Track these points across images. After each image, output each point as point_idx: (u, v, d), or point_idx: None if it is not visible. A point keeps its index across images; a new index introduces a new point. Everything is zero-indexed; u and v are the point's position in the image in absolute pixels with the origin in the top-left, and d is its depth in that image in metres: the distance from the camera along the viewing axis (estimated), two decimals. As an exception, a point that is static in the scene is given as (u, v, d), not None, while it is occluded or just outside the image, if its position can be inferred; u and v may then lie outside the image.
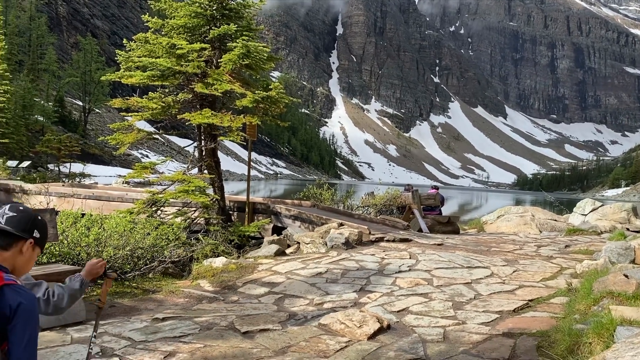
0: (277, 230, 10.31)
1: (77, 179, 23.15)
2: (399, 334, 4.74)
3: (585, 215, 16.26)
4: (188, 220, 9.50)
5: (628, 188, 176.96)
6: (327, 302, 5.74)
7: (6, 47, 43.53)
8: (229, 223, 9.58)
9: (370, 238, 9.04)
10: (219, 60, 9.10)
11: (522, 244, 10.10)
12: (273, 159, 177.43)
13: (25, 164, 40.27)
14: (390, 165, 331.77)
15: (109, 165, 68.77)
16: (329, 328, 4.84)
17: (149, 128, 12.38)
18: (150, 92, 9.60)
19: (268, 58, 9.00)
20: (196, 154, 9.74)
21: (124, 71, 8.94)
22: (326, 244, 8.35)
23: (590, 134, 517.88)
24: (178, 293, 6.33)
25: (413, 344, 4.46)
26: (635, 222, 15.29)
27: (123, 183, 23.63)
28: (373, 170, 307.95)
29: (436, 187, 14.98)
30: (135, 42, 9.11)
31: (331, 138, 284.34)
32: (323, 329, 4.84)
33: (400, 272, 7.05)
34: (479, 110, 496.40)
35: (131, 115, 9.52)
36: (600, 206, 16.48)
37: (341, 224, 9.22)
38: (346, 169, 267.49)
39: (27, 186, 13.81)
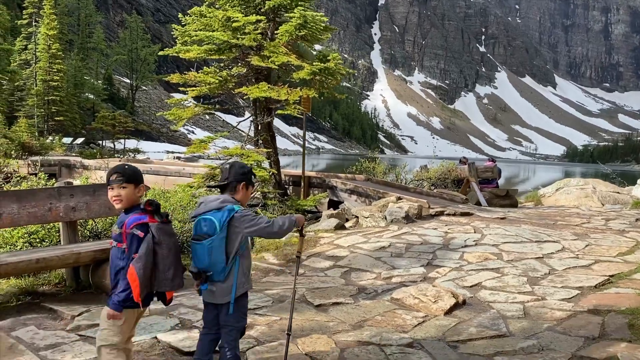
0: (333, 204, 10.26)
1: (131, 155, 23.80)
2: (476, 310, 4.60)
3: (651, 187, 15.47)
4: (245, 194, 9.55)
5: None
6: (395, 277, 5.64)
7: (58, 26, 44.70)
8: (285, 197, 9.58)
9: (430, 212, 8.86)
10: (274, 33, 8.98)
11: (589, 218, 9.69)
12: (315, 134, 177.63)
13: (79, 140, 41.64)
14: (434, 138, 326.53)
15: (157, 141, 70.46)
16: (402, 302, 4.75)
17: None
18: (204, 68, 9.59)
19: (324, 28, 8.81)
20: (250, 132, 9.73)
21: (180, 46, 8.95)
22: (385, 218, 8.23)
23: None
24: (244, 266, 6.38)
25: (493, 319, 4.32)
26: None
27: (174, 158, 24.08)
28: (416, 143, 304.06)
29: (493, 160, 14.54)
30: (190, 16, 9.08)
31: (373, 111, 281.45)
32: (396, 303, 4.76)
33: (466, 246, 6.88)
34: (527, 80, 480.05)
35: (187, 91, 9.56)
36: (667, 178, 15.65)
37: (399, 198, 9.06)
38: (388, 142, 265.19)
39: (87, 162, 14.23)
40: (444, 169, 13.53)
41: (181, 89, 9.25)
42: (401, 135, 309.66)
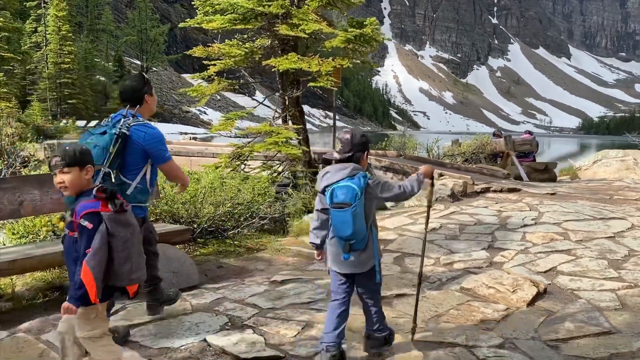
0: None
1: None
2: (561, 300, 4.04)
3: (693, 156, 14.68)
4: (274, 174, 9.01)
5: None
6: (456, 262, 5.08)
7: (66, 7, 44.07)
8: (316, 176, 9.02)
9: (475, 189, 8.25)
10: (301, -1, 8.32)
11: (630, 191, 9.03)
12: (325, 112, 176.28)
13: (93, 123, 41.32)
14: (446, 113, 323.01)
15: (169, 122, 70.07)
16: (475, 293, 4.20)
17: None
18: (222, 43, 8.94)
19: (355, -8, 8.13)
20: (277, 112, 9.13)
21: (202, 16, 8.33)
22: (430, 196, 7.64)
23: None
24: (285, 252, 5.85)
25: (588, 312, 3.75)
26: None
27: (191, 139, 23.62)
28: (428, 119, 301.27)
29: (530, 132, 13.82)
30: (212, -17, 8.43)
31: (384, 87, 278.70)
32: (468, 294, 4.20)
33: (525, 225, 6.28)
34: (541, 51, 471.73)
35: (209, 66, 8.95)
36: None
37: (441, 175, 8.46)
38: (400, 119, 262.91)
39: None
40: (478, 142, 12.86)
41: (205, 63, 8.63)
42: (413, 111, 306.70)
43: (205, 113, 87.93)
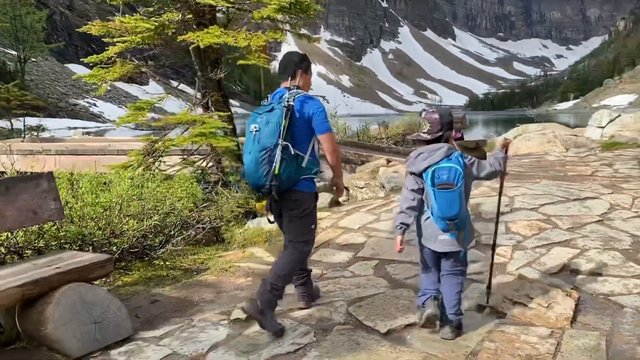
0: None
1: (35, 134, 20.44)
2: (603, 312, 3.29)
3: (603, 127, 15.20)
4: (198, 171, 7.69)
5: (578, 100, 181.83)
6: (450, 267, 4.21)
7: None
8: (248, 170, 7.82)
9: (427, 173, 7.50)
10: (219, -38, 7.00)
11: (584, 164, 8.83)
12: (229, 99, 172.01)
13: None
14: (344, 96, 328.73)
15: (55, 117, 64.17)
16: (498, 312, 3.34)
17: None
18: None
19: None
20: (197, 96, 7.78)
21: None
22: (383, 187, 6.79)
23: (537, 49, 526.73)
24: (233, 271, 4.68)
25: (649, 327, 3.02)
26: (659, 130, 14.35)
27: (83, 134, 21.11)
28: (328, 102, 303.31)
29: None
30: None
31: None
32: (491, 314, 3.33)
33: (503, 214, 5.57)
34: (429, 33, 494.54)
35: (109, 46, 7.37)
36: (617, 117, 15.43)
37: (389, 161, 7.62)
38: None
39: (-21, 146, 11.47)
40: (406, 124, 12.25)
41: (106, 41, 7.04)
42: (313, 95, 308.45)
43: (95, 105, 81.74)
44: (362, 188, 6.73)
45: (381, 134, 12.23)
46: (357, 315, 3.40)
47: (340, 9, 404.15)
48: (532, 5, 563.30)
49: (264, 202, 3.48)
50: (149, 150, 7.62)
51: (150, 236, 4.91)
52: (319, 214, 5.97)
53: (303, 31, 8.00)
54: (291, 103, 3.14)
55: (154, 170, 7.56)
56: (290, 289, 4.06)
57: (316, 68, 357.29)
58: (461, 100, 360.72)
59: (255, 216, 6.62)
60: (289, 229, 3.36)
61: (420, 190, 2.95)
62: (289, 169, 3.10)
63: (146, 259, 4.91)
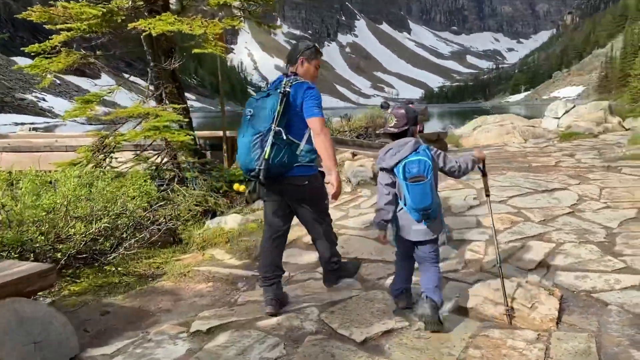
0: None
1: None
2: (588, 310, 3.14)
3: (559, 118, 15.50)
4: (152, 168, 7.24)
5: (529, 92, 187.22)
6: (424, 266, 4.00)
7: None
8: (207, 166, 7.43)
9: (393, 167, 7.30)
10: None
11: (546, 155, 8.85)
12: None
13: None
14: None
15: (0, 112, 61.17)
16: (481, 315, 3.14)
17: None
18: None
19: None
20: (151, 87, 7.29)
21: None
22: (350, 181, 6.54)
23: (489, 43, 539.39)
24: (193, 275, 4.32)
25: (635, 327, 2.87)
26: (612, 120, 14.72)
27: (30, 130, 20.03)
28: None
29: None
30: None
31: (240, 66, 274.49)
32: (475, 317, 3.13)
33: (472, 207, 5.45)
34: (385, 27, 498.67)
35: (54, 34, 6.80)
36: (572, 107, 15.76)
37: (354, 154, 7.38)
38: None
39: None
40: (368, 117, 12.05)
41: (49, 28, 6.47)
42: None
43: (44, 100, 78.47)
44: (327, 184, 6.46)
45: (344, 127, 11.98)
46: (330, 323, 3.13)
47: (297, 1, 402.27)
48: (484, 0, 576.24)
49: (241, 186, 3.62)
50: (98, 146, 7.11)
51: (100, 240, 4.49)
52: (283, 211, 5.68)
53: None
54: (287, 89, 3.15)
55: (105, 168, 7.09)
56: (255, 295, 3.77)
57: (274, 61, 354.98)
58: (417, 93, 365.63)
59: (214, 215, 6.26)
60: (301, 215, 3.39)
61: (394, 184, 3.00)
62: (281, 155, 3.09)
63: (96, 265, 4.48)
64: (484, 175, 3.40)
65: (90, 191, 4.94)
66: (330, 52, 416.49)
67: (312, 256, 4.48)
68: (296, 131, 3.18)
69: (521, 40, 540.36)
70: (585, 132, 12.38)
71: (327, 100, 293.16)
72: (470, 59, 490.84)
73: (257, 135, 3.08)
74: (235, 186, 3.82)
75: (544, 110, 17.18)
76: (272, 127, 3.06)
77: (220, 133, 8.43)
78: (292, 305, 3.46)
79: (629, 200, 5.28)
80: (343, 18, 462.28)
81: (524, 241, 4.34)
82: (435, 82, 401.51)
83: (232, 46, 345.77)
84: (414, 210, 2.92)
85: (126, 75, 8.44)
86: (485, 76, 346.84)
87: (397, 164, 2.91)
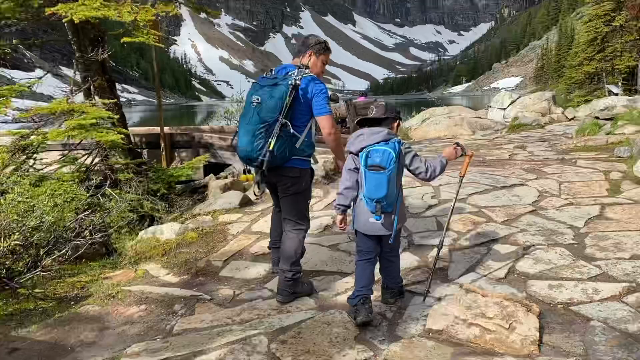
0: (211, 169, 7.67)
1: None
2: (568, 326, 2.83)
3: (505, 109, 15.61)
4: (82, 170, 6.55)
5: (470, 84, 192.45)
6: (385, 277, 3.62)
7: None
8: (143, 167, 6.79)
9: (345, 163, 6.89)
10: None
11: (497, 147, 8.71)
12: (122, 85, 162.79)
13: None
14: (249, 81, 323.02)
15: None
16: (455, 338, 2.76)
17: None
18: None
19: None
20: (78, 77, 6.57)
21: None
22: (300, 180, 6.08)
23: (431, 35, 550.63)
24: (122, 297, 3.76)
25: (627, 348, 2.57)
26: (555, 110, 14.93)
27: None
28: (232, 88, 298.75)
29: (365, 94, 13.00)
30: None
31: (183, 57, 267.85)
32: (447, 341, 2.75)
33: (431, 207, 5.12)
34: (329, 18, 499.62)
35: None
36: (517, 98, 15.90)
37: (303, 150, 6.91)
38: (204, 89, 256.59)
39: None
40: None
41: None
42: (216, 81, 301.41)
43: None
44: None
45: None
46: (283, 357, 2.67)
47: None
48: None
49: (249, 176, 3.42)
50: (18, 147, 6.34)
51: (11, 259, 3.84)
52: (229, 217, 5.16)
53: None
54: (298, 82, 3.11)
55: (27, 171, 6.34)
56: (194, 321, 3.26)
57: (218, 52, 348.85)
58: (363, 85, 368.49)
59: (152, 222, 5.68)
60: (283, 205, 3.43)
61: (357, 170, 2.94)
62: (284, 147, 3.11)
63: (7, 289, 3.84)
64: (465, 154, 3.28)
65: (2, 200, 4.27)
66: (276, 44, 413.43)
67: (260, 269, 4.02)
68: (298, 124, 3.18)
69: (462, 32, 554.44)
70: (532, 123, 12.44)
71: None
72: (413, 51, 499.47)
73: (263, 125, 3.06)
74: (243, 177, 3.67)
75: (485, 100, 17.34)
76: (280, 119, 3.05)
77: (158, 129, 7.78)
78: (236, 333, 2.98)
79: (589, 196, 5.09)
80: (288, 9, 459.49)
81: (489, 245, 4.03)
82: (380, 73, 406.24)
83: (175, 37, 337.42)
84: (368, 200, 2.85)
85: (66, 70, 7.61)
86: (428, 68, 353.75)
87: (362, 149, 2.86)
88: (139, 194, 6.16)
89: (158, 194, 6.36)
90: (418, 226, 4.62)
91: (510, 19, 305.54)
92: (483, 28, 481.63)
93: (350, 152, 2.99)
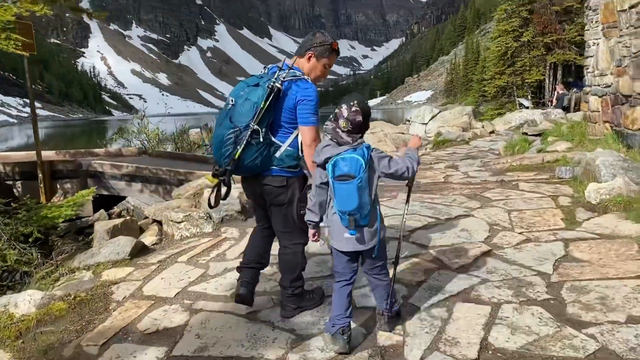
0: (103, 203, 6.35)
1: None
2: None
3: (426, 123, 15.35)
4: None
5: (384, 97, 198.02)
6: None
7: None
8: (12, 204, 5.45)
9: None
10: None
11: (428, 168, 8.13)
12: (24, 100, 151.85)
13: None
14: (163, 94, 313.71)
15: None
16: None
17: None
18: None
19: None
20: None
21: None
22: (211, 218, 5.04)
23: (346, 50, 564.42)
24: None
25: None
26: (476, 125, 14.84)
27: None
28: (145, 101, 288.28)
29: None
30: None
31: (92, 70, 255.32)
32: None
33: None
34: (245, 32, 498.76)
35: None
36: (438, 113, 15.69)
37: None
38: (115, 103, 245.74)
39: None
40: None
41: None
42: (128, 95, 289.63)
43: None
44: (180, 223, 4.88)
45: (204, 139, 10.29)
46: None
47: (152, 4, 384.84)
48: (340, 8, 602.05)
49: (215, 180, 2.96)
50: None
51: None
52: (115, 273, 4.03)
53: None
54: (277, 85, 2.79)
55: None
56: None
57: (130, 65, 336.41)
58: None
59: (22, 277, 4.41)
60: (273, 218, 3.06)
61: (326, 184, 2.70)
62: (255, 157, 2.77)
63: None
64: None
65: None
66: (191, 57, 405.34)
67: (151, 355, 2.93)
68: (280, 131, 2.88)
69: (375, 47, 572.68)
70: (457, 138, 12.12)
71: (190, 107, 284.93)
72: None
73: (233, 131, 2.74)
74: (209, 178, 2.97)
75: (399, 114, 17.13)
76: (251, 125, 2.73)
77: (35, 155, 6.41)
78: None
79: (546, 229, 4.46)
80: (202, 22, 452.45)
81: (448, 306, 3.21)
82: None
83: (83, 50, 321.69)
84: (340, 213, 2.60)
85: None
86: (344, 82, 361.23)
87: (329, 159, 2.61)
88: (3, 242, 4.84)
89: (30, 240, 5.06)
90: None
91: (420, 35, 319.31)
92: (394, 43, 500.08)
93: (317, 165, 2.70)
